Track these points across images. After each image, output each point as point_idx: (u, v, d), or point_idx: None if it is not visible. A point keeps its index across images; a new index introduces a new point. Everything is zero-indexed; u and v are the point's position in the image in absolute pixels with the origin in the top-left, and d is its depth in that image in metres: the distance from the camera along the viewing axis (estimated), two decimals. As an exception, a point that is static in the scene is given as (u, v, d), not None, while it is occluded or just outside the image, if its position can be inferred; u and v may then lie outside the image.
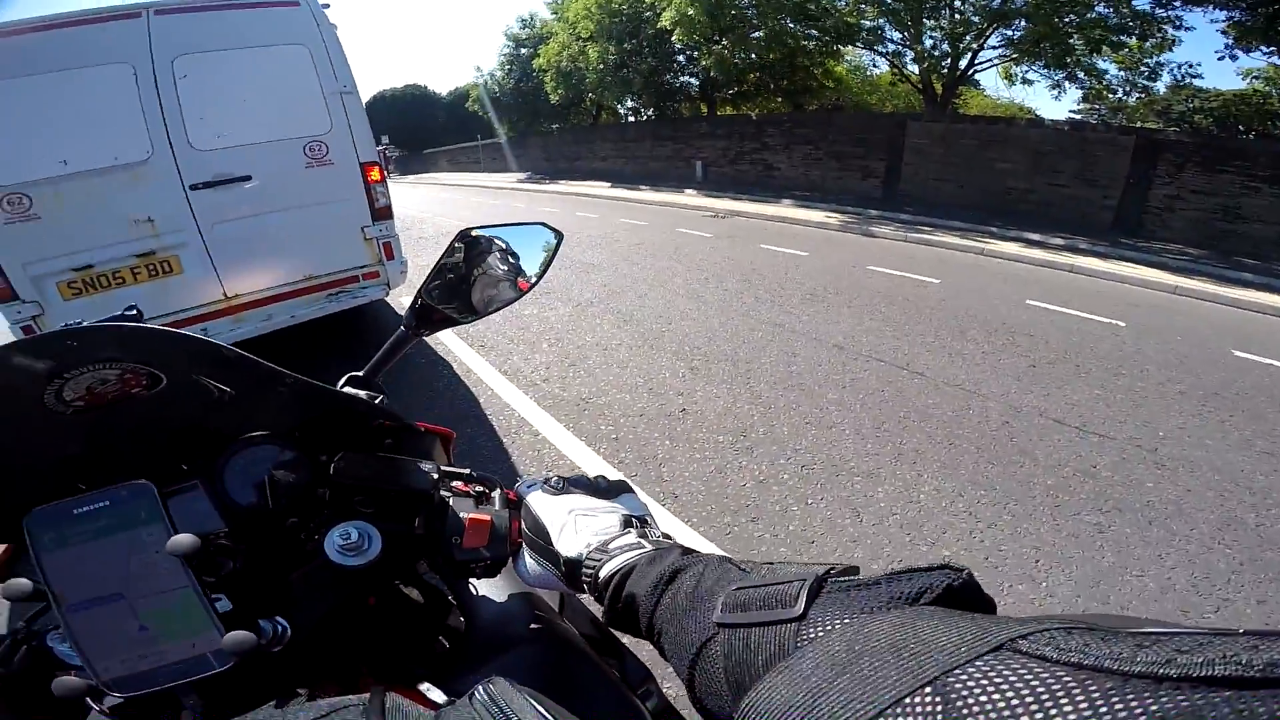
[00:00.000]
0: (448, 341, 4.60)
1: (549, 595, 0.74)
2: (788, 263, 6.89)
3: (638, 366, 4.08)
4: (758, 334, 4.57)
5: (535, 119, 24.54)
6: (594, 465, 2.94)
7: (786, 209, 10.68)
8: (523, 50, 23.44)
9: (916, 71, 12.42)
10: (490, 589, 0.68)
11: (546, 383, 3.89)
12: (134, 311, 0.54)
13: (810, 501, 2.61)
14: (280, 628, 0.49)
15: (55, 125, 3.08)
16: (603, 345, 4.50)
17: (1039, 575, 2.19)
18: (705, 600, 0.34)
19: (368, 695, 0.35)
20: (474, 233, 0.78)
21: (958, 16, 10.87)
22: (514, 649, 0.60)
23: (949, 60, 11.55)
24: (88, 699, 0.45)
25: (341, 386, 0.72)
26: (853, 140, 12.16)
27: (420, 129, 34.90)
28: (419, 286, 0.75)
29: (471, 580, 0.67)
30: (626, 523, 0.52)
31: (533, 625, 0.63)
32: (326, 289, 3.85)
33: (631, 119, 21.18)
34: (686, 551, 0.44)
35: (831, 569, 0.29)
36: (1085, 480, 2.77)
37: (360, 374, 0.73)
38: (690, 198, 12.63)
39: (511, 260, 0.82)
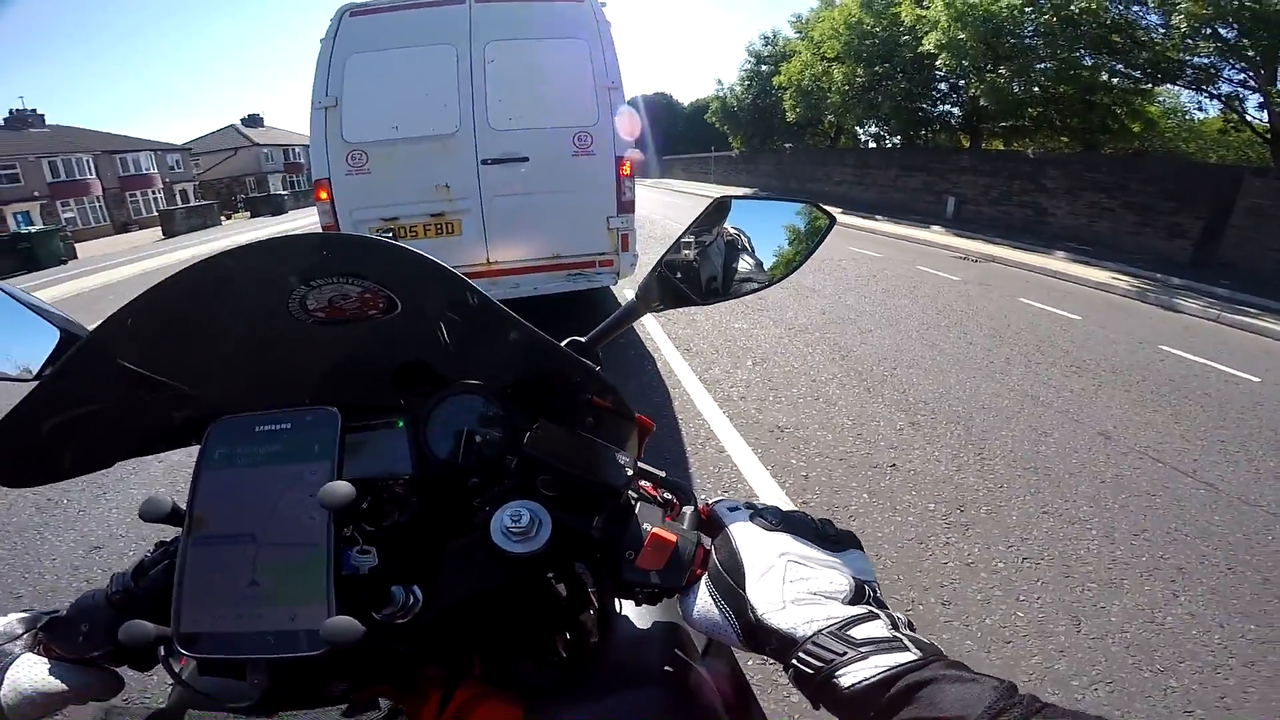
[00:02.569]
0: (656, 338, 4.70)
1: (695, 633, 0.63)
2: (1053, 325, 5.72)
3: (847, 407, 3.69)
4: (1003, 401, 3.82)
5: (769, 136, 24.48)
6: (774, 499, 2.70)
7: (1058, 262, 8.96)
8: (763, 67, 23.53)
9: (1265, 120, 9.58)
10: (634, 609, 0.59)
11: (744, 401, 3.73)
12: (389, 234, 0.51)
13: (1023, 598, 2.15)
14: (414, 599, 0.44)
15: (395, 95, 3.76)
16: (811, 376, 4.17)
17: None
18: None
19: None
20: (727, 201, 0.66)
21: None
22: (643, 687, 0.52)
23: None
24: (160, 648, 0.41)
25: None
26: (1162, 192, 9.78)
27: (662, 136, 37.27)
28: (659, 258, 0.67)
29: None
30: (858, 591, 0.41)
31: (669, 667, 0.54)
32: (567, 268, 4.17)
33: (872, 145, 19.99)
34: (964, 665, 0.35)
35: None
36: None
37: (583, 340, 0.67)
38: (937, 235, 11.38)
39: (769, 241, 0.69)
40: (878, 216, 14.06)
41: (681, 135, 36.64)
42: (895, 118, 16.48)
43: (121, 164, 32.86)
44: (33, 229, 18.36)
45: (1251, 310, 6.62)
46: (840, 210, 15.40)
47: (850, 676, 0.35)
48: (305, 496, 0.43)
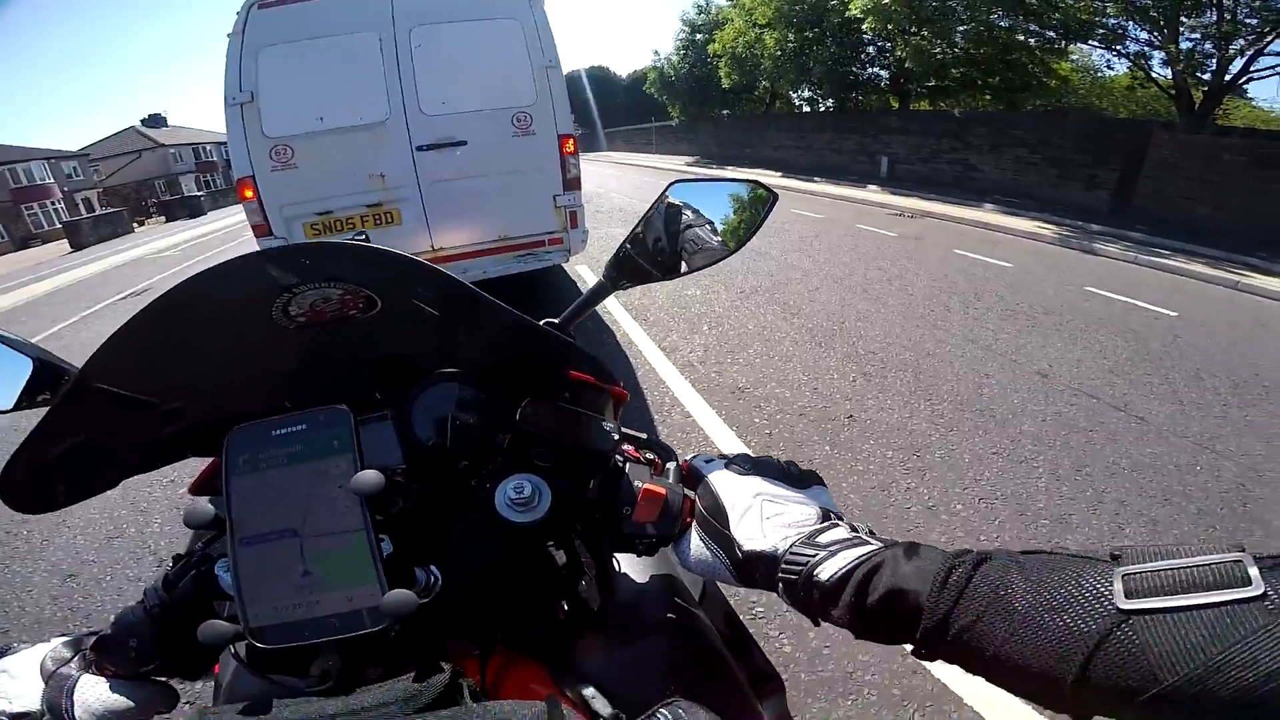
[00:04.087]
0: (614, 311, 4.71)
1: (690, 582, 0.69)
2: (987, 273, 6.05)
3: (802, 363, 3.83)
4: (946, 348, 4.04)
5: (707, 104, 24.49)
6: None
7: (988, 214, 9.42)
8: (698, 35, 23.42)
9: (1169, 76, 10.32)
10: (631, 565, 0.64)
11: (703, 365, 3.80)
12: (363, 237, 0.54)
13: (983, 538, 2.27)
14: (434, 578, 0.46)
15: (316, 86, 3.57)
16: (765, 336, 4.29)
17: None
18: (1071, 589, 0.32)
19: (542, 706, 0.33)
20: (683, 182, 0.73)
21: (1226, 17, 8.73)
22: (649, 635, 0.56)
23: (1214, 65, 9.45)
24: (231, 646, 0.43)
25: None
26: (1079, 146, 10.46)
27: (602, 109, 36.63)
28: (623, 239, 0.73)
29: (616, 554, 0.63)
30: (824, 517, 0.46)
31: (670, 614, 0.59)
32: (516, 250, 4.11)
33: (807, 109, 20.26)
34: (921, 545, 0.40)
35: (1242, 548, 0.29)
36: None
37: (556, 320, 0.72)
38: (873, 194, 11.73)
39: (720, 217, 0.77)
40: (816, 179, 14.32)
41: (621, 108, 36.10)
42: (827, 81, 16.74)
43: (12, 176, 29.89)
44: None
45: (1164, 251, 7.19)
46: (780, 174, 15.64)
47: (826, 571, 0.41)
48: (335, 488, 0.45)
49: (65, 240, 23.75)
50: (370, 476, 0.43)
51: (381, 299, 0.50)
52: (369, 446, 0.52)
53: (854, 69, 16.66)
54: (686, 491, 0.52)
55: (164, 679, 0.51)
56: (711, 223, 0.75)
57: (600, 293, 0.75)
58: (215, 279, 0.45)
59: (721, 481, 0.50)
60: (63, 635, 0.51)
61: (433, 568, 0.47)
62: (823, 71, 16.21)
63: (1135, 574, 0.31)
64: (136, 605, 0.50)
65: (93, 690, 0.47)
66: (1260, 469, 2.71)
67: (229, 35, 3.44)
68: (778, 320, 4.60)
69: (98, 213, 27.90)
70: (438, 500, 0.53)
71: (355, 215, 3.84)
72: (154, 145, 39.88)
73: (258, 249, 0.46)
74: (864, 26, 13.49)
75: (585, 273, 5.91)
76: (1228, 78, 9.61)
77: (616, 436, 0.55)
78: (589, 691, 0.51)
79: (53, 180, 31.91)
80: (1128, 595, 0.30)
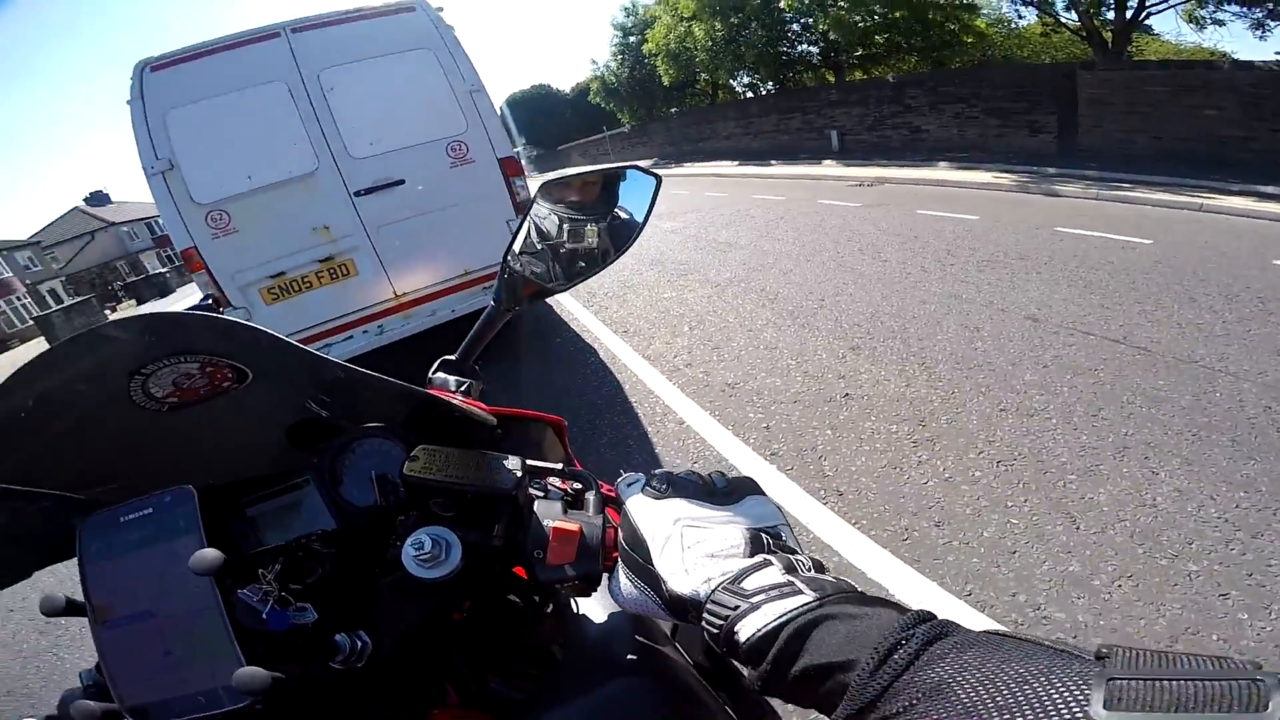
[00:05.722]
0: (592, 328, 4.62)
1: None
2: (955, 228, 6.03)
3: (788, 348, 3.75)
4: (930, 308, 3.99)
5: (653, 104, 24.57)
6: (743, 458, 2.70)
7: (943, 171, 9.51)
8: (631, 38, 23.46)
9: (1075, 19, 10.83)
10: (590, 605, 0.61)
11: (690, 367, 3.71)
12: (208, 302, 0.47)
13: (1010, 504, 2.17)
14: (360, 643, 0.45)
15: (236, 144, 3.44)
16: (747, 327, 4.21)
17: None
18: (1035, 688, 0.25)
19: None
20: (559, 181, 0.68)
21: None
22: (615, 679, 0.52)
23: (1113, 4, 9.98)
24: None
25: (434, 372, 0.69)
26: (1012, 95, 10.74)
27: (550, 127, 36.60)
28: (502, 254, 0.67)
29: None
30: (755, 541, 0.40)
31: (632, 655, 0.55)
32: (480, 283, 3.99)
33: (750, 95, 20.44)
34: (868, 599, 0.34)
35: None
36: None
37: (452, 358, 0.69)
38: (829, 168, 11.81)
39: (605, 214, 0.70)
40: (772, 162, 14.41)
41: (570, 122, 36.00)
42: (762, 65, 17.05)
43: None
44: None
45: (1125, 185, 7.29)
46: (736, 162, 15.72)
47: (746, 629, 0.34)
48: (183, 569, 0.44)
49: (42, 337, 23.09)
50: (207, 556, 0.42)
51: (250, 368, 0.48)
52: (295, 514, 0.53)
53: (785, 49, 16.93)
54: (610, 520, 0.48)
55: None
56: (594, 217, 0.69)
57: (493, 320, 0.70)
58: (48, 370, 0.43)
59: (638, 509, 0.45)
60: (22, 717, 0.51)
61: (360, 633, 0.46)
62: (755, 56, 16.50)
63: (1122, 681, 0.25)
64: (76, 688, 0.51)
65: None
66: None
67: (128, 102, 3.30)
68: (757, 308, 4.53)
69: (66, 304, 26.75)
70: (361, 562, 0.51)
71: (309, 273, 3.70)
72: (104, 224, 38.63)
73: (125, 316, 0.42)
74: (782, 4, 13.74)
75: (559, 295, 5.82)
76: (1128, 14, 10.07)
77: (519, 473, 0.50)
78: None
79: (11, 274, 30.71)
80: (1107, 706, 0.24)
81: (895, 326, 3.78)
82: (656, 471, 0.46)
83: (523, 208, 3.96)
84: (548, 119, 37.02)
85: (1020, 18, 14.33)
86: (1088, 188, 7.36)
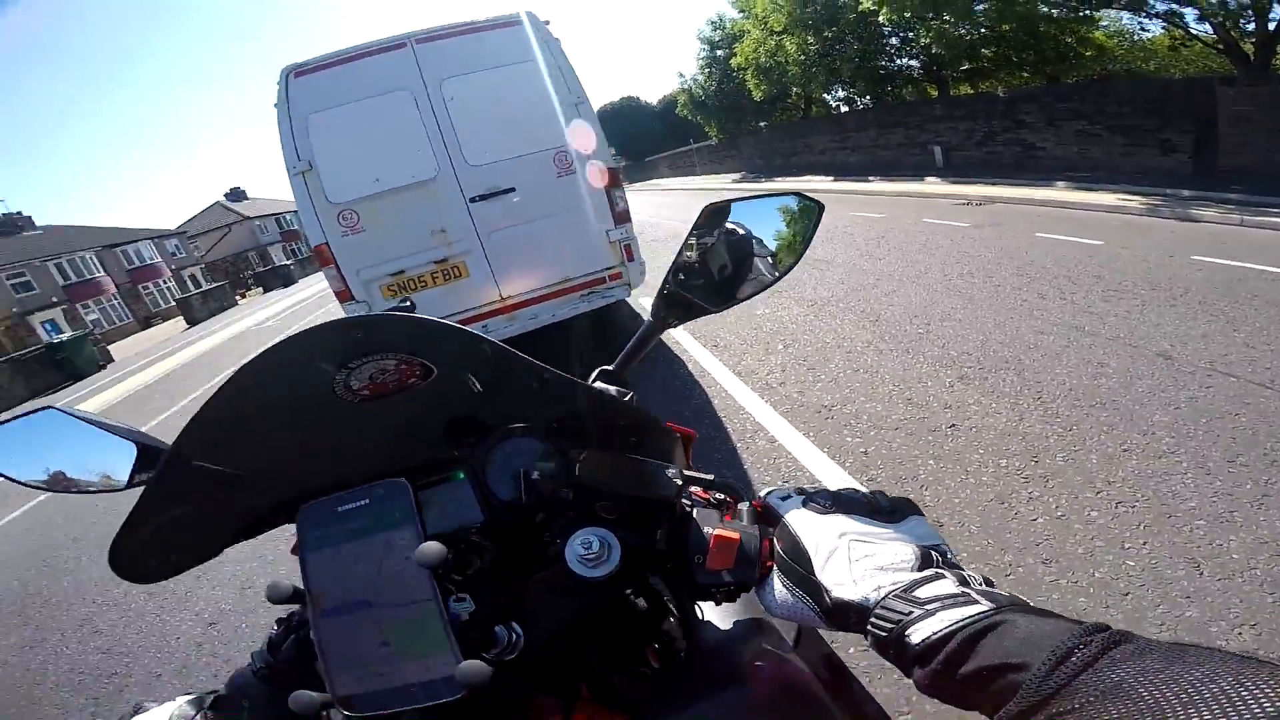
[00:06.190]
0: (682, 340, 4.65)
1: (783, 624, 0.66)
2: (1077, 253, 5.56)
3: (890, 373, 3.60)
4: (1048, 338, 3.71)
5: (743, 118, 24.31)
6: (837, 481, 2.62)
7: (1062, 192, 8.78)
8: (719, 52, 23.36)
9: (1209, 31, 9.73)
10: (716, 612, 0.62)
11: (783, 386, 3.66)
12: (408, 304, 0.55)
13: (1128, 546, 2.01)
14: (515, 635, 0.47)
15: (366, 148, 3.72)
16: (845, 348, 4.08)
17: None
18: (1220, 688, 0.24)
19: None
20: (721, 206, 0.69)
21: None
22: (738, 685, 0.53)
23: (1252, 14, 8.88)
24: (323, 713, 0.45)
25: (594, 380, 0.71)
26: (1140, 111, 9.73)
27: (639, 138, 37.22)
28: (665, 274, 0.69)
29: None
30: (925, 558, 0.41)
31: (759, 661, 0.56)
32: (580, 289, 4.14)
33: (845, 109, 19.84)
34: (1044, 611, 0.34)
35: None
36: None
37: (610, 368, 0.71)
38: (933, 186, 11.23)
39: (766, 237, 0.72)
40: (870, 177, 13.91)
41: (658, 134, 36.52)
42: (859, 79, 16.48)
43: (125, 257, 32.52)
44: (63, 337, 18.00)
45: (1273, 210, 6.40)
46: (831, 178, 15.31)
47: (919, 633, 0.35)
48: (401, 559, 0.47)
49: (181, 317, 26.09)
50: (433, 549, 0.44)
51: (436, 365, 0.52)
52: (450, 505, 0.55)
53: (882, 62, 16.33)
54: (765, 531, 0.49)
55: None
56: (757, 242, 0.71)
57: (650, 335, 0.73)
58: (276, 358, 0.47)
59: (800, 522, 0.46)
60: (186, 694, 0.53)
61: (514, 625, 0.48)
62: (852, 69, 15.98)
63: None
64: (246, 667, 0.54)
65: None
66: None
67: (275, 105, 3.62)
68: (856, 329, 4.39)
69: (204, 288, 29.84)
70: (515, 557, 0.53)
71: (426, 273, 3.98)
72: (240, 218, 43.40)
73: (342, 316, 0.47)
74: (880, 18, 13.24)
75: (649, 304, 5.91)
76: (1270, 25, 8.98)
77: (679, 481, 0.52)
78: None
79: (160, 259, 34.80)
80: None
81: (1009, 356, 3.54)
82: (816, 488, 0.49)
83: (622, 218, 4.08)
84: (636, 130, 37.68)
85: (1144, 30, 13.15)
86: (1229, 212, 6.52)
